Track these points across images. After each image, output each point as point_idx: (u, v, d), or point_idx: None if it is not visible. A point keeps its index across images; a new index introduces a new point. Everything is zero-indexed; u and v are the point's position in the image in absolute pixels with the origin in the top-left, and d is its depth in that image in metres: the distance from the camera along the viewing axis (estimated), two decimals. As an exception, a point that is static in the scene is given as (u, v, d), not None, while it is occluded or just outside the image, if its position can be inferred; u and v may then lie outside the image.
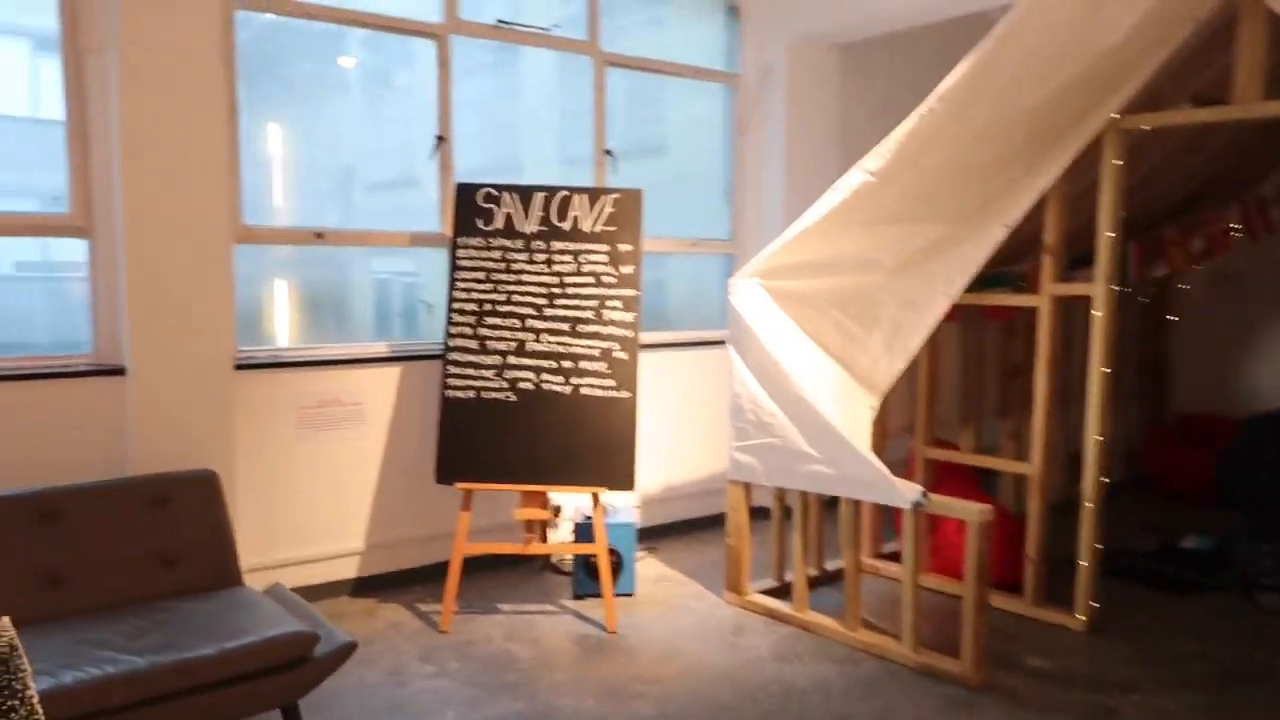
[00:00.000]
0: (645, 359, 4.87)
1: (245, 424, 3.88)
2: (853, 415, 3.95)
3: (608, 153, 4.97)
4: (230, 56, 3.83)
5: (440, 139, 4.44)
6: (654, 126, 5.67)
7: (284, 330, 4.40)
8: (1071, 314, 4.54)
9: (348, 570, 4.20)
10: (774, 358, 3.86)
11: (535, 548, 3.99)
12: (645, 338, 4.96)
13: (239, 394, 3.85)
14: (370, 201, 4.77)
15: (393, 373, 4.26)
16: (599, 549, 3.91)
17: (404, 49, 4.54)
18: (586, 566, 4.19)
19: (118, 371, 3.56)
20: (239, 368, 3.84)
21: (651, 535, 5.10)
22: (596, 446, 3.95)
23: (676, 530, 5.20)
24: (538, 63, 5.08)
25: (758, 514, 4.35)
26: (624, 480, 3.94)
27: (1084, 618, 3.87)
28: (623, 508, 4.51)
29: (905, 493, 3.49)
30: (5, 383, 3.40)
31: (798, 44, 5.32)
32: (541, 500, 3.97)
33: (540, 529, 4.45)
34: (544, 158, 5.46)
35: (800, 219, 3.82)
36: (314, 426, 4.06)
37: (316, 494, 4.09)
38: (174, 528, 3.05)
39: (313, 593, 4.08)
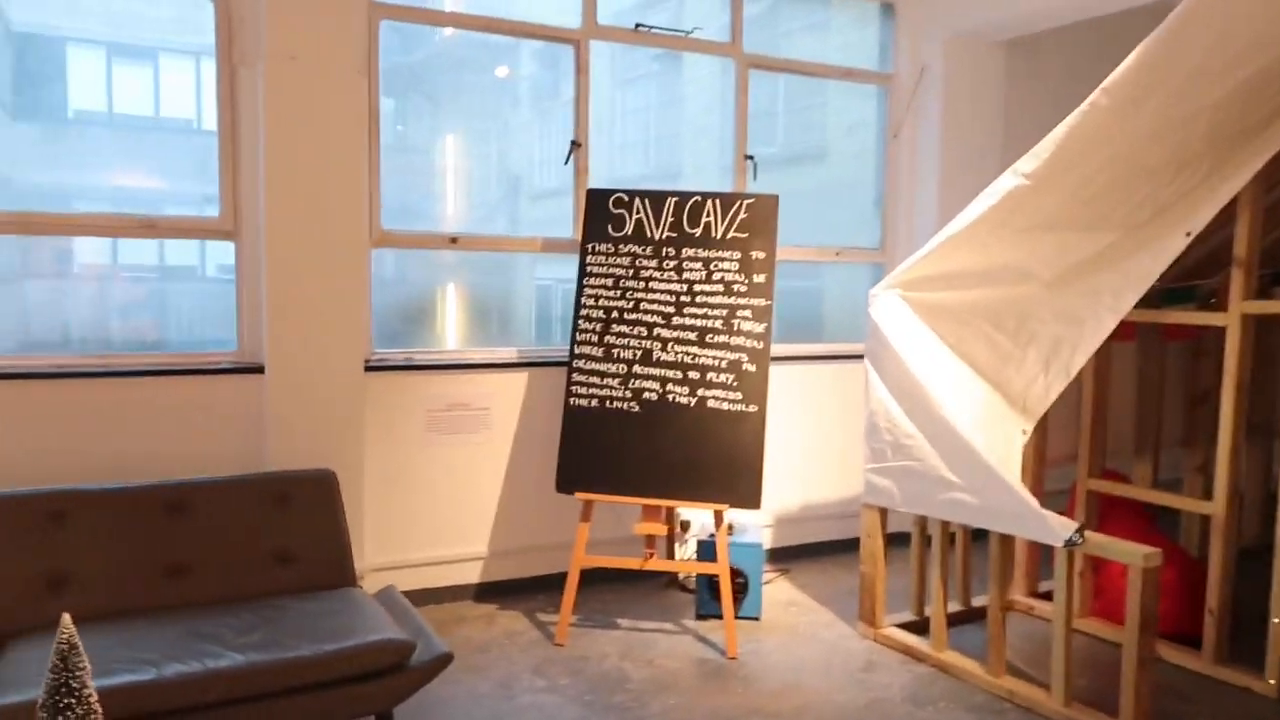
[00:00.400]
0: (783, 371, 4.68)
1: (376, 424, 3.95)
2: (1002, 439, 3.62)
3: (749, 158, 4.80)
4: (373, 66, 3.92)
5: (575, 144, 4.40)
6: (813, 133, 5.46)
7: (450, 333, 4.50)
8: (1274, 335, 4.02)
9: (471, 575, 4.20)
10: (914, 374, 3.58)
11: (654, 564, 3.86)
12: (783, 349, 4.78)
13: (370, 395, 3.92)
14: (534, 209, 4.86)
15: (520, 378, 4.24)
16: (720, 569, 3.74)
17: (572, 63, 4.68)
18: (711, 586, 4.03)
19: (258, 370, 3.69)
20: (370, 369, 3.92)
21: (785, 556, 4.87)
22: (721, 462, 3.78)
23: (812, 552, 4.95)
24: (702, 69, 5.05)
25: (898, 540, 4.07)
26: (749, 498, 3.75)
27: (1274, 681, 3.37)
28: (751, 527, 4.31)
29: (1057, 529, 3.14)
30: (156, 378, 3.59)
31: (955, 41, 4.99)
32: (662, 515, 3.83)
33: (668, 544, 4.33)
34: (704, 165, 5.40)
35: (947, 226, 3.54)
36: (441, 429, 4.08)
37: (443, 496, 4.11)
38: (292, 526, 3.11)
39: (436, 595, 4.11)
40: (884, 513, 3.85)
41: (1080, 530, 3.12)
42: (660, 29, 4.55)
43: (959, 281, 3.66)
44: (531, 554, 4.29)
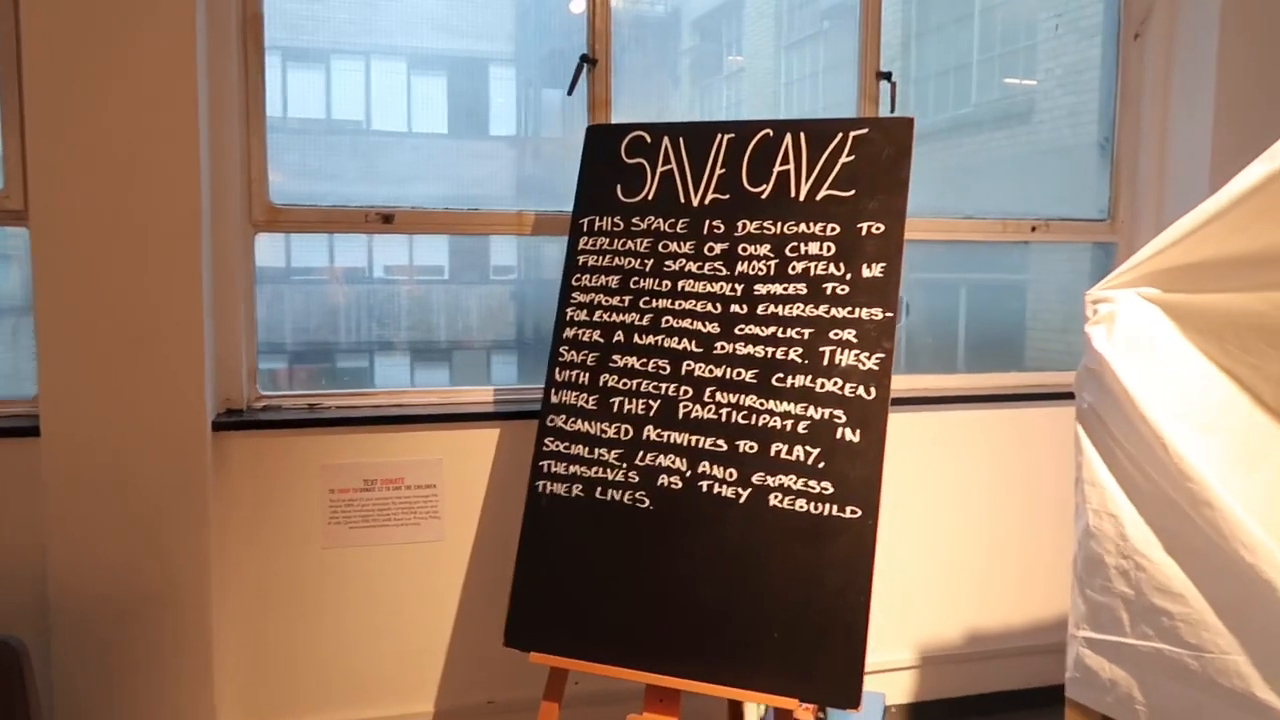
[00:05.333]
0: (934, 420, 2.89)
1: (244, 514, 2.49)
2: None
3: (883, 77, 3.00)
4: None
5: (587, 60, 2.77)
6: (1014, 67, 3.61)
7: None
8: None
9: (409, 747, 2.67)
10: (1183, 462, 1.70)
11: (659, 793, 2.15)
12: (935, 384, 2.99)
13: (239, 466, 2.47)
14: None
15: (488, 437, 2.66)
16: (785, 816, 2.01)
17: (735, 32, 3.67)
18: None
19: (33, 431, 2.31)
20: (236, 425, 2.46)
21: (941, 718, 3.04)
22: (790, 611, 2.05)
23: (990, 709, 3.07)
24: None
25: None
26: (835, 685, 1.99)
27: None
28: (870, 699, 2.54)
29: None
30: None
31: None
32: (678, 702, 2.13)
33: None
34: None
35: (1247, 172, 1.65)
36: (354, 521, 2.57)
37: (358, 627, 2.60)
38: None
39: (351, 780, 2.60)
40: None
41: None
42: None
43: (1272, 271, 1.75)
44: (514, 716, 2.70)
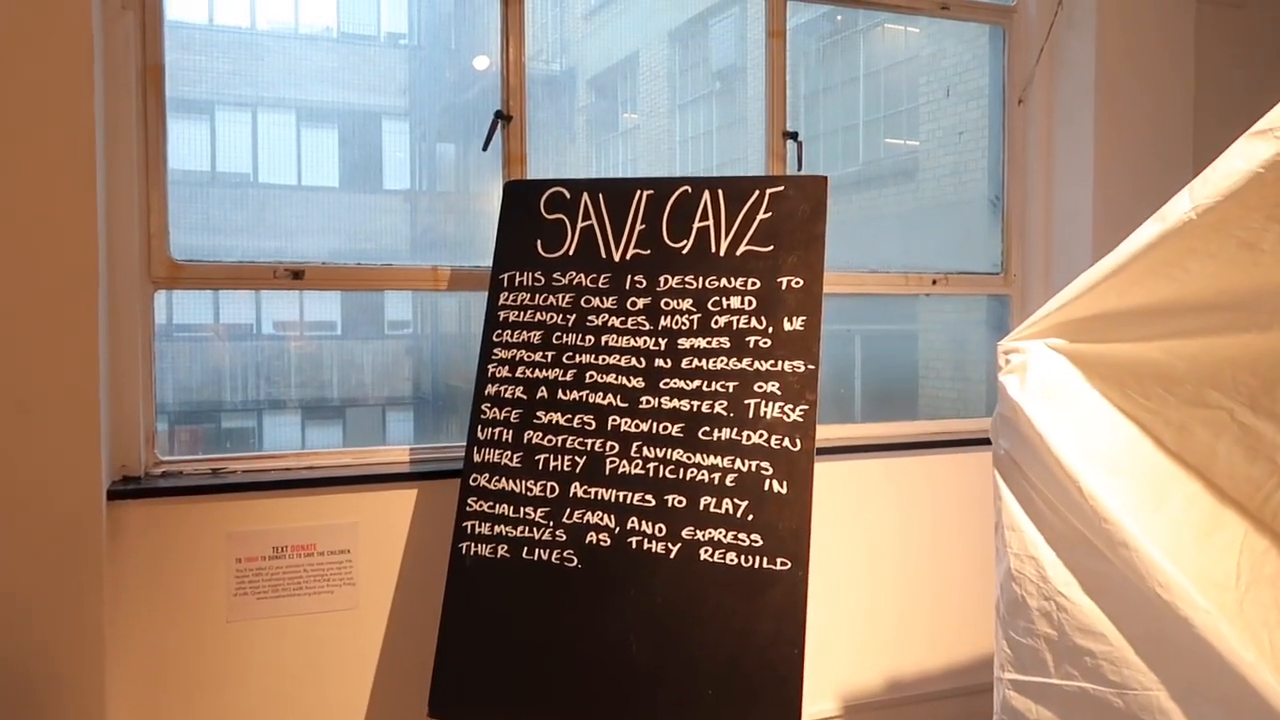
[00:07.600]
0: (849, 469, 2.94)
1: (142, 588, 2.34)
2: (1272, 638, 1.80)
3: (790, 136, 3.10)
4: (150, 27, 2.40)
5: (502, 116, 2.77)
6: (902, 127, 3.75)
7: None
8: None
9: (324, 833, 2.52)
10: (1098, 505, 1.78)
11: None
12: (846, 434, 3.04)
13: (133, 539, 2.33)
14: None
15: (406, 498, 2.58)
16: None
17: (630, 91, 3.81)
18: None
19: (-95, 506, 2.12)
20: (133, 494, 2.32)
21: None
22: (722, 668, 2.04)
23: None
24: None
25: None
26: (776, 742, 1.99)
27: None
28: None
29: None
30: None
31: (1116, -56, 3.21)
32: (616, 768, 2.09)
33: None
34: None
35: (1141, 230, 1.76)
36: (263, 591, 2.44)
37: (263, 704, 2.46)
38: None
39: None
40: (1041, 763, 2.02)
41: None
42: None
43: (1178, 321, 1.87)
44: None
